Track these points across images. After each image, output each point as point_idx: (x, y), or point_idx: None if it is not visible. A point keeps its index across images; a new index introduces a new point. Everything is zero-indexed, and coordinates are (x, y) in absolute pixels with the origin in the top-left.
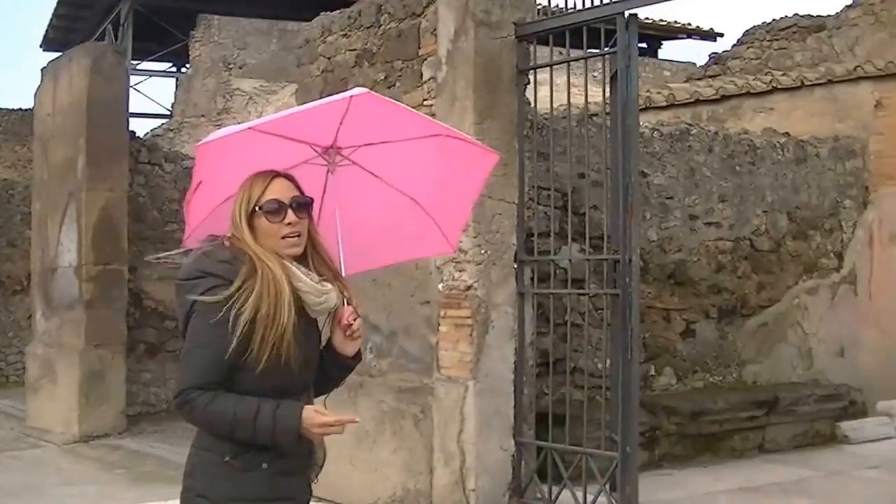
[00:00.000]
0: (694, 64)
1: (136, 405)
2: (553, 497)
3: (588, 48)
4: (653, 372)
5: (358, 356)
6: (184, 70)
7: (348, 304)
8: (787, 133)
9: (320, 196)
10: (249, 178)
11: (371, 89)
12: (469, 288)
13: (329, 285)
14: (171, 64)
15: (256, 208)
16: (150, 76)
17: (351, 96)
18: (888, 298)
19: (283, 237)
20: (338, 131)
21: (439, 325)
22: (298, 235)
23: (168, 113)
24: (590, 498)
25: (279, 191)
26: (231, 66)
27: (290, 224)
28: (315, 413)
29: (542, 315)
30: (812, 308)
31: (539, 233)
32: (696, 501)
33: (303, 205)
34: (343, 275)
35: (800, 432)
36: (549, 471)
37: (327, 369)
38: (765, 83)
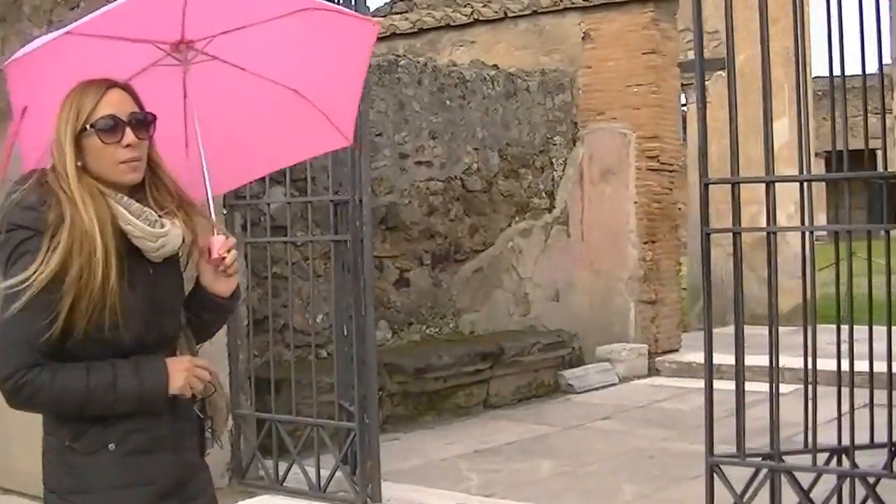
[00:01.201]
0: None
1: None
2: (281, 476)
3: None
4: None
5: (236, 294)
6: None
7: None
8: (495, 65)
9: (182, 104)
10: (77, 88)
11: None
12: None
13: (169, 223)
14: None
15: (87, 126)
16: None
17: None
18: (600, 238)
19: (121, 162)
20: (183, 22)
21: None
22: (138, 160)
23: None
24: (324, 474)
25: (115, 104)
26: None
27: (128, 146)
28: (177, 361)
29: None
30: (526, 251)
31: None
32: (435, 469)
33: (143, 122)
34: (213, 194)
35: (524, 384)
36: (274, 446)
37: (200, 313)
38: (465, 15)
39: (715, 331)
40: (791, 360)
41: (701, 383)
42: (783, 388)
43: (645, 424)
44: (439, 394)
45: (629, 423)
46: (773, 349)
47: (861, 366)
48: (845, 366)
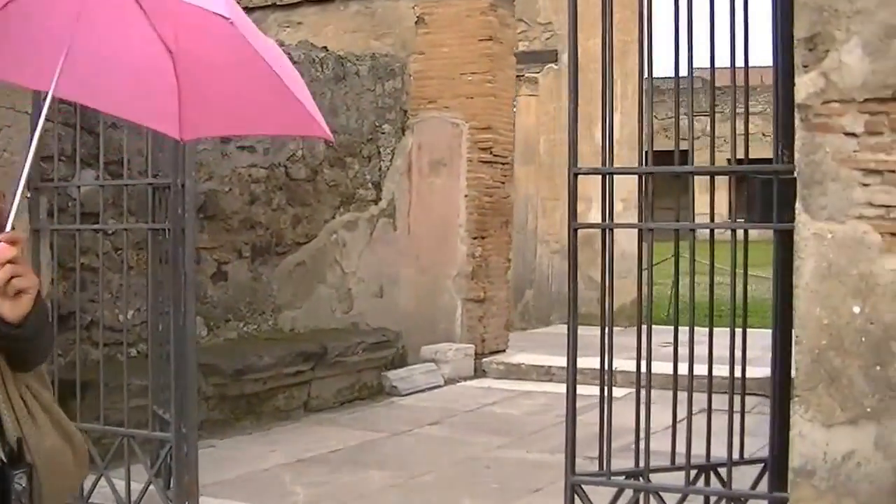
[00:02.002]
0: None
1: None
2: (86, 491)
3: None
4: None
5: (30, 321)
6: None
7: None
8: (325, 48)
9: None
10: None
11: None
12: None
13: None
14: None
15: None
16: None
17: None
18: (427, 232)
19: None
20: None
21: None
22: None
23: None
24: (135, 488)
25: None
26: None
27: None
28: None
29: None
30: (351, 244)
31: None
32: (256, 481)
33: None
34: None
35: (347, 385)
36: None
37: None
38: None
39: (541, 330)
40: (622, 362)
41: (529, 386)
42: (615, 391)
43: (476, 430)
44: (258, 396)
45: (460, 428)
46: (642, 353)
47: (701, 370)
48: (684, 370)
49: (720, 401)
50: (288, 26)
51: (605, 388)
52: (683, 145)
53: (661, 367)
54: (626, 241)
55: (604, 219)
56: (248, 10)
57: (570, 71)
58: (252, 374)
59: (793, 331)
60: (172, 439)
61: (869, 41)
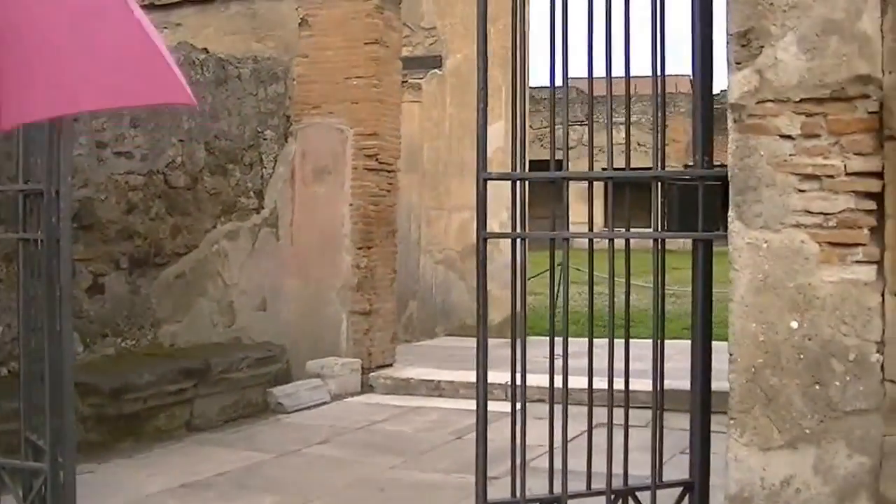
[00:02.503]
0: None
1: None
2: None
3: None
4: None
5: None
6: None
7: None
8: (205, 49)
9: None
10: None
11: None
12: None
13: None
14: None
15: None
16: None
17: None
18: (311, 243)
19: None
20: None
21: None
22: None
23: None
24: None
25: None
26: None
27: None
28: None
29: None
30: (233, 255)
31: None
32: None
33: None
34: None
35: (230, 403)
36: None
37: None
38: None
39: (426, 343)
40: (507, 375)
41: (419, 401)
42: (505, 406)
43: (368, 449)
44: (139, 416)
45: (350, 448)
46: (557, 367)
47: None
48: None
49: (618, 415)
50: (166, 27)
51: (518, 405)
52: (560, 154)
53: (557, 381)
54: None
55: (514, 228)
56: None
57: (479, 72)
58: (131, 392)
59: (727, 347)
60: (47, 470)
61: (806, 37)
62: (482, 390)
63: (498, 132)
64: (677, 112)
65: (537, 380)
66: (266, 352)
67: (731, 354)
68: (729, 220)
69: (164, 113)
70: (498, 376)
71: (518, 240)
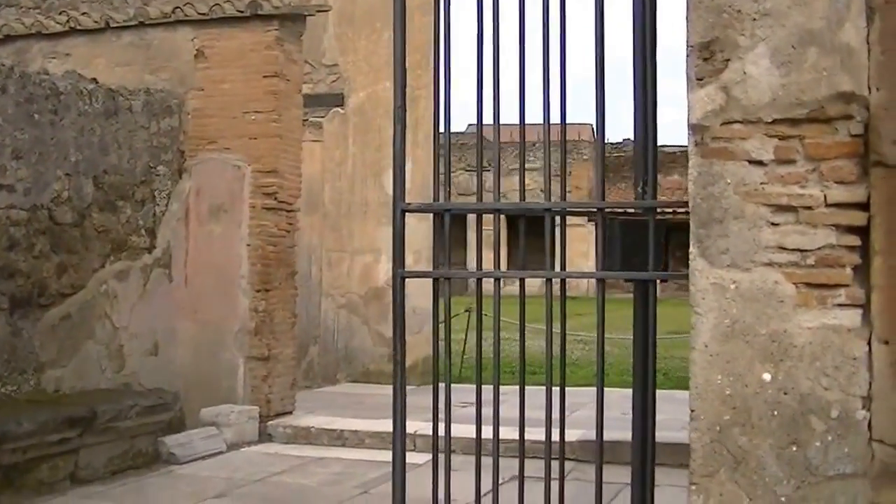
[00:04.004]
0: None
1: None
2: None
3: None
4: None
5: None
6: None
7: None
8: (95, 80)
9: None
10: None
11: None
12: None
13: None
14: None
15: None
16: None
17: None
18: (206, 284)
19: None
20: None
21: None
22: None
23: None
24: None
25: None
26: None
27: None
28: None
29: None
30: (122, 296)
31: None
32: None
33: None
34: None
35: (119, 453)
36: None
37: None
38: (60, 23)
39: (327, 389)
40: (420, 425)
41: (320, 451)
42: (416, 457)
43: None
44: (17, 468)
45: (248, 502)
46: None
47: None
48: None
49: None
50: (54, 57)
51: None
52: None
53: (466, 429)
54: (418, 296)
55: (435, 266)
56: (11, 38)
57: (396, 99)
58: (10, 442)
59: (689, 402)
60: None
61: (779, 49)
62: (400, 441)
63: (406, 173)
64: (580, 158)
65: (455, 429)
66: (157, 399)
67: (692, 410)
68: (690, 257)
69: (50, 144)
70: (407, 425)
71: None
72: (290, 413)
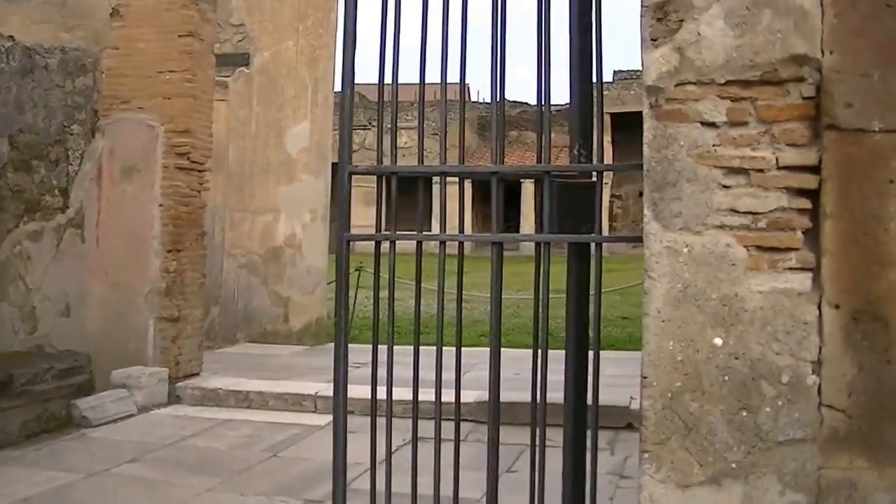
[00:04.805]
0: None
1: None
2: None
3: None
4: None
5: None
6: None
7: None
8: (11, 37)
9: None
10: None
11: None
12: None
13: None
14: None
15: None
16: None
17: None
18: (118, 245)
19: None
20: None
21: None
22: None
23: None
24: None
25: None
26: None
27: None
28: None
29: None
30: (36, 257)
31: None
32: None
33: None
34: None
35: (32, 417)
36: None
37: None
38: None
39: (229, 350)
40: (323, 386)
41: (228, 413)
42: (316, 419)
43: (181, 469)
44: None
45: (162, 467)
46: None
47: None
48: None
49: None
50: None
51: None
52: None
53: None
54: (312, 255)
55: (378, 228)
56: None
57: (347, 46)
58: None
59: (640, 368)
60: None
61: (734, 9)
62: (341, 406)
63: (303, 132)
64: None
65: (350, 391)
66: (73, 361)
67: (645, 377)
68: (644, 220)
69: None
70: (308, 387)
71: (388, 242)
72: (198, 375)
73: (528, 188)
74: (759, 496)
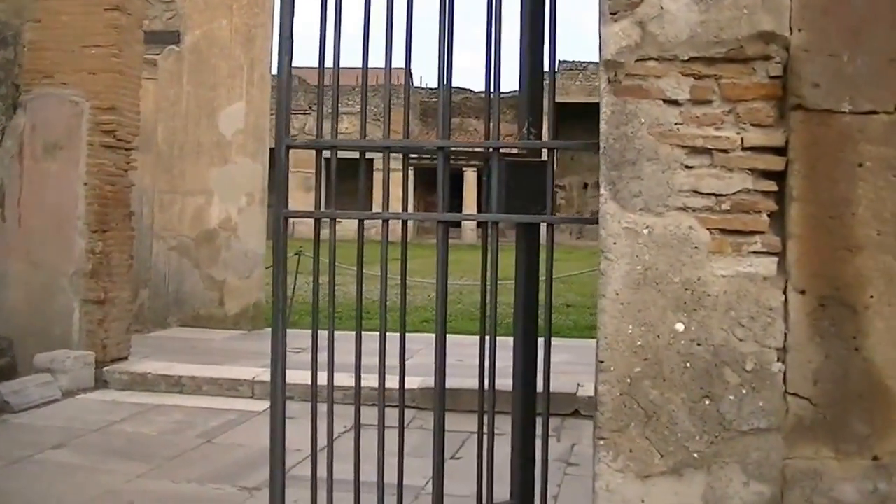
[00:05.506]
0: None
1: None
2: None
3: None
4: None
5: None
6: None
7: None
8: None
9: None
10: None
11: None
12: None
13: None
14: None
15: None
16: None
17: None
18: (41, 224)
19: None
20: None
21: None
22: None
23: None
24: None
25: None
26: None
27: None
28: None
29: None
30: None
31: None
32: None
33: None
34: None
35: None
36: None
37: None
38: None
39: (159, 334)
40: (260, 371)
41: (158, 398)
42: (253, 405)
43: (109, 455)
44: None
45: (89, 453)
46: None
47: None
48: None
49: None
50: None
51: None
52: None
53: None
54: (250, 238)
55: (318, 206)
56: None
57: (284, 30)
58: None
59: (596, 352)
60: None
61: None
62: (280, 390)
63: (238, 113)
64: (401, 104)
65: (290, 376)
66: None
67: (601, 361)
68: (601, 200)
69: None
70: (244, 372)
71: (329, 220)
72: (126, 359)
73: (469, 177)
74: (722, 487)
